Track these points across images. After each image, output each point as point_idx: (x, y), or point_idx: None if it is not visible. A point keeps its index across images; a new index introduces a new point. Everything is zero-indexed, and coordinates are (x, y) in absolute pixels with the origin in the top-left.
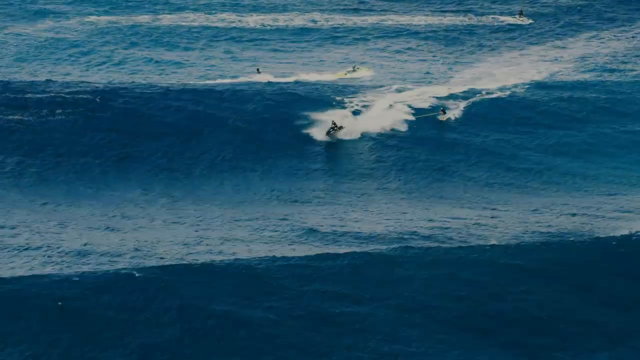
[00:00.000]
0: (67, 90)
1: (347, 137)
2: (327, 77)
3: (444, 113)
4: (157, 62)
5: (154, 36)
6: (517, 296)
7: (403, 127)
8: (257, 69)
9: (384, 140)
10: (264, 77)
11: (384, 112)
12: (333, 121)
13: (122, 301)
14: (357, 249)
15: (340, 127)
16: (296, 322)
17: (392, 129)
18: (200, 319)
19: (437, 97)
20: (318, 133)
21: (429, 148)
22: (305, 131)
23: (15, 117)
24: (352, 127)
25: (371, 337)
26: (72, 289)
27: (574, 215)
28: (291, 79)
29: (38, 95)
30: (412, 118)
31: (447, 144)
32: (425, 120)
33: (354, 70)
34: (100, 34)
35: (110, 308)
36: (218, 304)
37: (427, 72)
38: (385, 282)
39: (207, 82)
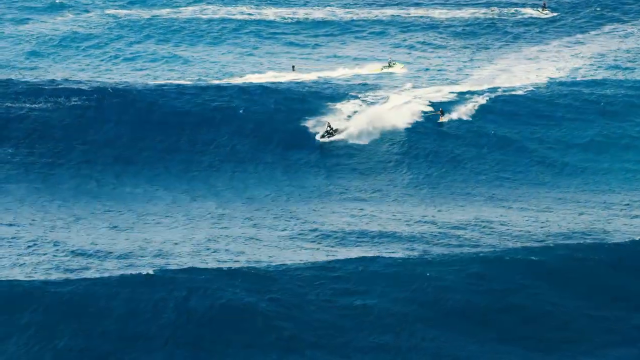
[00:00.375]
0: (81, 84)
1: (354, 136)
2: (363, 72)
3: (443, 114)
4: (175, 56)
5: (174, 30)
6: (532, 294)
7: (407, 126)
8: (293, 67)
9: (393, 137)
10: (298, 75)
11: (394, 110)
12: (329, 124)
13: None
14: (370, 249)
15: (336, 130)
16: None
17: (397, 126)
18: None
19: (454, 93)
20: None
21: (440, 145)
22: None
23: (27, 110)
24: (357, 125)
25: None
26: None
27: (602, 209)
28: (325, 75)
29: (50, 88)
30: (416, 118)
31: (460, 142)
32: (437, 118)
33: (389, 66)
34: (119, 27)
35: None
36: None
37: (441, 70)
38: (399, 280)
39: (231, 80)
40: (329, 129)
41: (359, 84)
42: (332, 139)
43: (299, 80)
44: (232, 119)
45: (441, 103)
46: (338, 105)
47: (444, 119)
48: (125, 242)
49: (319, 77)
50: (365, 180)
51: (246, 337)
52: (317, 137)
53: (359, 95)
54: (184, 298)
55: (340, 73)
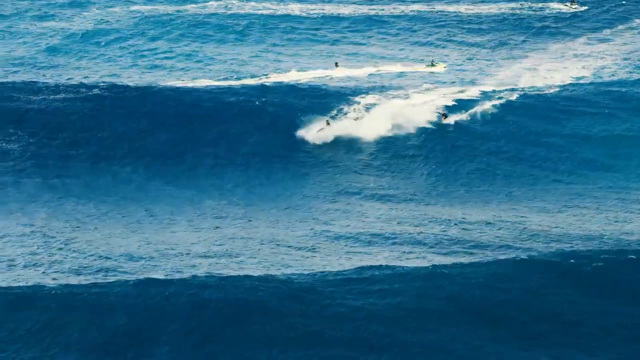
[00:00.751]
0: (100, 81)
1: (371, 132)
2: (406, 70)
3: (446, 117)
4: (200, 54)
5: (198, 25)
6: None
7: (426, 124)
8: (336, 63)
9: (412, 135)
10: (341, 72)
11: (415, 107)
12: (327, 120)
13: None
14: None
15: (328, 124)
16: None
17: (417, 123)
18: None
19: (480, 92)
20: (306, 133)
21: (462, 143)
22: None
23: (48, 102)
24: (376, 122)
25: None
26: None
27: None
28: (368, 71)
29: (66, 84)
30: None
31: (483, 140)
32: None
33: (432, 65)
34: (143, 23)
35: None
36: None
37: (461, 70)
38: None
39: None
40: (327, 125)
41: (382, 81)
42: (328, 134)
43: (328, 77)
44: (255, 115)
45: (465, 101)
46: (357, 99)
47: (447, 120)
48: (142, 243)
49: (346, 75)
50: (383, 178)
51: (265, 334)
52: (313, 134)
53: (382, 92)
54: (203, 299)
55: (368, 71)
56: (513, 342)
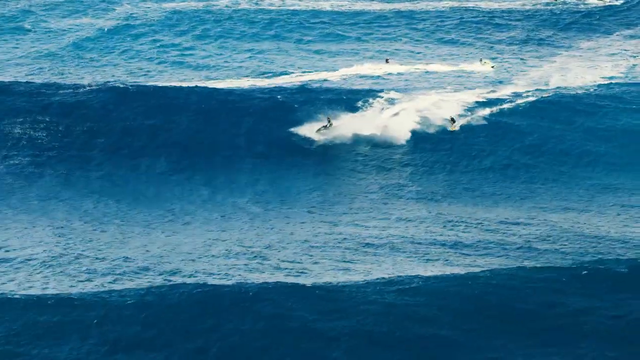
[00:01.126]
0: (127, 81)
1: (390, 134)
2: (450, 69)
3: (454, 122)
4: (228, 50)
5: (228, 20)
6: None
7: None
8: (386, 60)
9: (432, 136)
10: (392, 67)
11: (435, 107)
12: (329, 118)
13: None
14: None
15: (331, 125)
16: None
17: (436, 125)
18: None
19: (508, 93)
20: (308, 131)
21: (485, 145)
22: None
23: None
24: (394, 122)
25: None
26: None
27: None
28: (421, 68)
29: (91, 79)
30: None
31: (508, 142)
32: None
33: (482, 64)
34: (174, 20)
35: None
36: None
37: (475, 73)
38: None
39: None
40: (328, 124)
41: (411, 79)
42: (328, 133)
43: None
44: (285, 114)
45: (495, 100)
46: (376, 98)
47: (454, 127)
48: (168, 247)
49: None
50: (408, 179)
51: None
52: (313, 131)
53: (409, 91)
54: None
55: (416, 68)
56: (537, 345)
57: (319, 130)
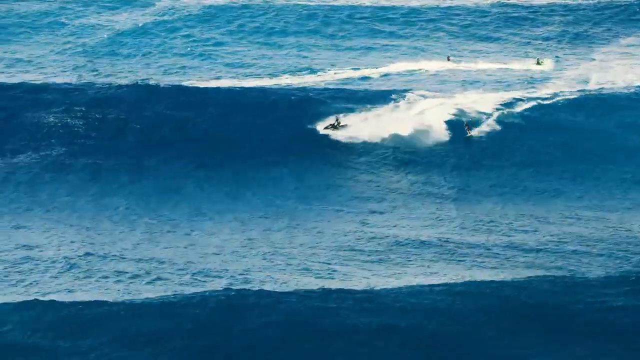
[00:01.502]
0: (159, 83)
1: (417, 133)
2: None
3: (470, 129)
4: (260, 47)
5: (268, 18)
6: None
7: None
8: (448, 57)
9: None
10: (453, 65)
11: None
12: (337, 117)
13: None
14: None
15: (339, 124)
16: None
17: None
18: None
19: (553, 92)
20: (319, 126)
21: (522, 147)
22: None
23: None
24: (420, 121)
25: None
26: None
27: None
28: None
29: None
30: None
31: (545, 144)
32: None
33: (538, 64)
34: (211, 15)
35: None
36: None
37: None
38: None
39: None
40: (335, 122)
41: (445, 78)
42: (336, 132)
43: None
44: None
45: (532, 99)
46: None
47: (472, 133)
48: (197, 253)
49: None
50: (435, 180)
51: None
52: (321, 129)
53: (440, 91)
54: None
55: (484, 66)
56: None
57: (326, 127)
